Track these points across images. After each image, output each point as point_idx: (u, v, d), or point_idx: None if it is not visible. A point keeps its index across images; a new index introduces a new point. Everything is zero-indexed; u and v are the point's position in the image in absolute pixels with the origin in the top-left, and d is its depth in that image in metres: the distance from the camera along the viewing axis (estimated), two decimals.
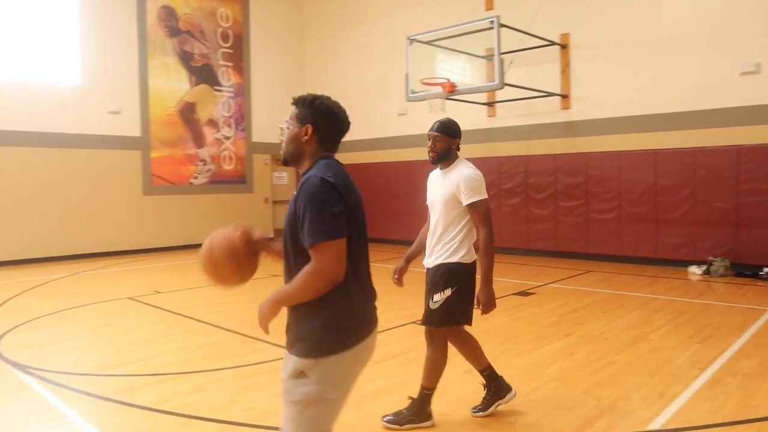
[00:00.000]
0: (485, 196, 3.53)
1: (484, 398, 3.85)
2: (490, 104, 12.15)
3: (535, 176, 11.68)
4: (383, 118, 14.44)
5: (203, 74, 14.15)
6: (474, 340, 3.90)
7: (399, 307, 7.15)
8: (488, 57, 10.98)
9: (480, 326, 6.18)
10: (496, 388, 3.85)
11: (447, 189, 3.60)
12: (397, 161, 14.13)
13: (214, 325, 6.36)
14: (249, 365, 4.96)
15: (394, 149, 14.23)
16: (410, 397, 3.76)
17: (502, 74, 9.23)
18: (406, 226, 13.79)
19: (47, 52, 11.87)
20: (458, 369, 4.74)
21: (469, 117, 12.43)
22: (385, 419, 3.72)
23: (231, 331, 6.10)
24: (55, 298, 8.16)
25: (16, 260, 11.24)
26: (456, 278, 3.57)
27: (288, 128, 2.35)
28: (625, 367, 4.78)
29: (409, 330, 6.09)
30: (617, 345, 5.40)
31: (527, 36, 10.57)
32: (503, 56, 9.46)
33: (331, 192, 2.10)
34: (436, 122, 3.73)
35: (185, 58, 13.82)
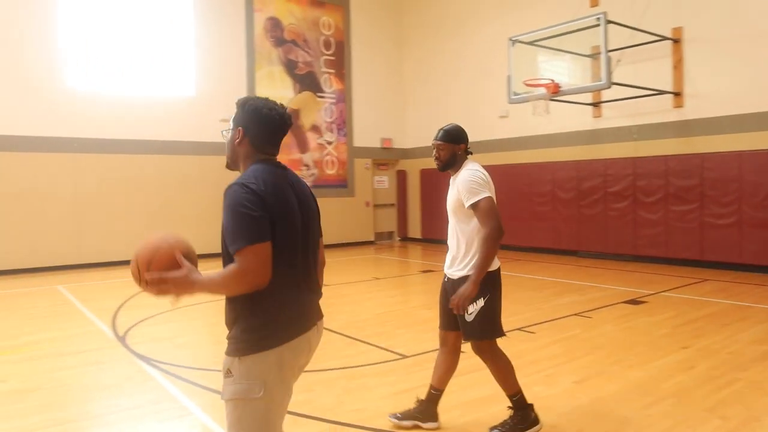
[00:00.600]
0: (485, 194, 3.37)
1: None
2: (596, 104, 11.71)
3: (644, 179, 11.12)
4: (484, 122, 14.28)
5: (307, 81, 14.60)
6: (507, 358, 3.66)
7: (505, 314, 7.02)
8: (594, 55, 10.60)
9: (587, 334, 5.99)
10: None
11: (454, 196, 3.55)
12: (497, 164, 13.92)
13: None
14: (355, 367, 5.05)
15: (495, 152, 14.02)
16: (509, 407, 3.67)
17: (609, 73, 8.87)
18: (507, 230, 13.54)
19: (165, 67, 12.69)
20: (567, 379, 4.61)
21: (573, 118, 12.08)
22: (492, 430, 3.66)
23: (336, 332, 6.23)
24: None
25: None
26: (486, 287, 3.44)
27: (228, 132, 2.35)
28: (754, 384, 4.44)
29: (513, 337, 5.97)
30: (742, 360, 5.02)
31: (636, 32, 10.11)
32: (610, 54, 9.10)
33: (251, 198, 2.08)
34: (439, 130, 3.63)
35: (290, 67, 14.32)
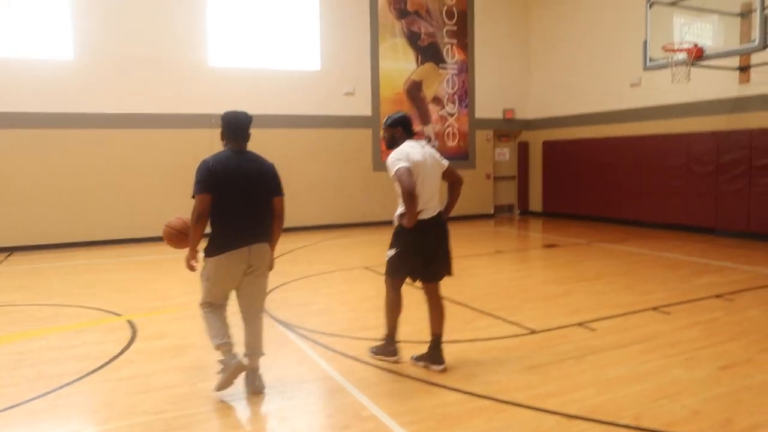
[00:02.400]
0: (396, 166, 4.15)
1: (378, 346, 4.69)
2: (744, 69, 10.75)
3: None
4: (614, 90, 13.58)
5: (429, 53, 14.56)
6: (399, 301, 4.59)
7: (637, 292, 6.78)
8: (744, 14, 9.73)
9: (730, 318, 5.64)
10: (386, 346, 4.63)
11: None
12: (629, 135, 13.23)
13: (447, 298, 6.60)
14: (486, 339, 5.10)
15: (626, 122, 13.32)
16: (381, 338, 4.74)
17: (766, 33, 8.09)
18: (635, 205, 12.94)
19: (291, 41, 13.14)
20: (711, 365, 4.39)
21: (714, 85, 11.19)
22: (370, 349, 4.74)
23: (464, 304, 6.30)
24: (300, 264, 9.13)
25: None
26: (399, 240, 4.36)
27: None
28: None
29: (647, 317, 5.75)
30: None
31: None
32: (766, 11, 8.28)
33: (203, 168, 3.88)
34: (386, 118, 4.58)
35: (412, 39, 14.33)
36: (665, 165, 12.28)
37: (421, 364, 4.45)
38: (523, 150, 16.23)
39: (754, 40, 8.24)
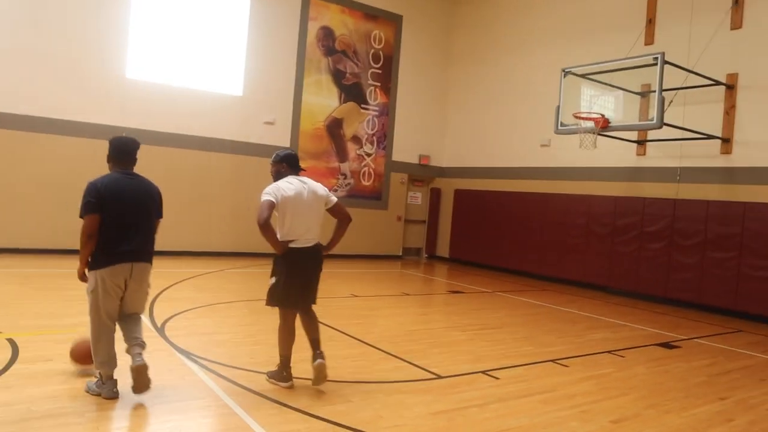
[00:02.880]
0: (262, 198, 4.55)
1: (272, 371, 4.83)
2: (641, 142, 11.67)
3: (682, 221, 11.03)
4: (524, 149, 14.29)
5: (353, 92, 14.77)
6: (291, 329, 4.82)
7: (537, 344, 7.03)
8: (643, 93, 10.60)
9: (621, 374, 5.95)
10: (281, 372, 4.76)
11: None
12: (536, 192, 13.90)
13: (355, 338, 6.57)
14: (392, 382, 5.08)
15: (533, 180, 14.02)
16: (277, 364, 4.81)
17: (662, 113, 8.86)
18: (537, 259, 13.53)
19: (217, 64, 12.94)
20: (604, 418, 4.59)
21: (615, 154, 12.05)
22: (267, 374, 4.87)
23: (371, 345, 6.28)
24: (207, 291, 8.81)
25: (177, 251, 12.30)
26: (278, 268, 4.73)
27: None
28: None
29: (548, 368, 5.96)
30: None
31: (689, 73, 10.08)
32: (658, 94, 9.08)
33: (92, 189, 4.11)
34: (274, 154, 4.96)
35: (338, 76, 14.51)
36: (567, 223, 12.98)
37: (272, 381, 4.77)
38: (435, 196, 16.66)
39: (652, 119, 8.96)
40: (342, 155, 14.72)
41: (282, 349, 4.75)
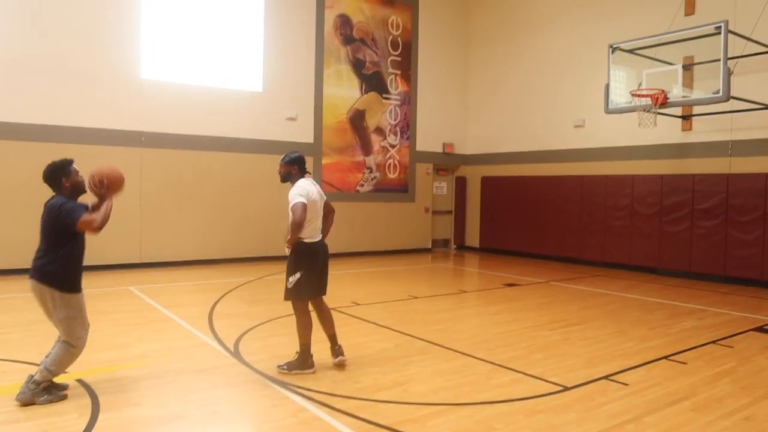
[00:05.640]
0: (296, 200, 4.84)
1: (291, 362, 5.07)
2: (686, 117, 11.19)
3: (738, 197, 10.57)
4: (556, 131, 13.78)
5: (373, 82, 14.17)
6: (309, 319, 5.11)
7: (635, 339, 6.52)
8: (686, 66, 10.12)
9: (746, 369, 5.42)
10: (303, 360, 5.04)
11: (322, 193, 5.24)
12: (570, 175, 13.40)
13: (448, 348, 6.04)
14: (522, 399, 4.55)
15: (568, 162, 13.51)
16: (296, 352, 5.12)
17: (728, 85, 8.36)
18: (576, 243, 13.07)
19: (234, 60, 12.26)
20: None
21: (659, 131, 11.52)
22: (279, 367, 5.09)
23: (470, 356, 5.75)
24: (259, 304, 8.24)
25: (211, 260, 11.70)
26: (300, 264, 5.04)
27: None
28: None
29: (667, 366, 5.45)
30: None
31: (735, 44, 9.59)
32: (703, 66, 8.60)
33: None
34: (283, 156, 5.18)
35: (357, 66, 13.89)
36: (609, 205, 12.51)
37: (294, 371, 4.99)
38: (461, 184, 16.13)
39: (718, 91, 8.47)
40: (367, 148, 14.13)
41: (304, 337, 5.05)
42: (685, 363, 5.65)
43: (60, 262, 4.18)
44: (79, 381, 4.74)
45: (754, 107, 9.89)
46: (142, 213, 11.25)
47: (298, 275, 4.96)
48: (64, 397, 4.31)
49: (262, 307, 8.00)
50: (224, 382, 4.85)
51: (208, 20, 11.92)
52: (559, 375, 5.17)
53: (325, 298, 5.37)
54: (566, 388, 4.83)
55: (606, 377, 5.14)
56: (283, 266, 5.55)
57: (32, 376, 4.23)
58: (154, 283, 9.73)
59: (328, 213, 5.34)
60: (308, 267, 5.00)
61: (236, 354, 5.68)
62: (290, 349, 5.44)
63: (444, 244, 16.18)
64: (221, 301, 8.32)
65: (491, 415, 4.20)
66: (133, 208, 11.07)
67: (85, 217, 4.13)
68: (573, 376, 5.13)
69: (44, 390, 4.22)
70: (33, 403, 4.16)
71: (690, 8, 11.14)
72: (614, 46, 9.82)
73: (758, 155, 10.43)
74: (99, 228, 4.12)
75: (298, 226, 4.78)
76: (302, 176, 5.08)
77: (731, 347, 6.31)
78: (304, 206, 4.82)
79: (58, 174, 4.28)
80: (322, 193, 5.26)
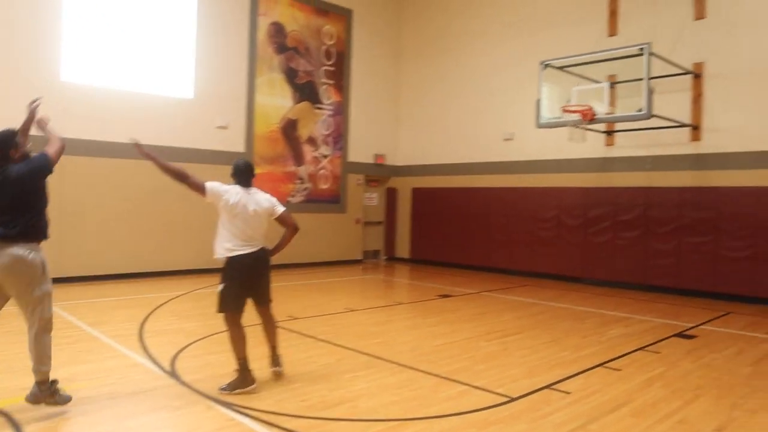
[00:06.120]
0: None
1: (231, 382, 4.89)
2: (609, 133, 11.74)
3: (656, 209, 11.18)
4: (485, 143, 14.11)
5: (306, 91, 14.04)
6: (241, 332, 4.99)
7: (570, 347, 6.71)
8: (612, 84, 10.62)
9: (673, 373, 5.52)
10: (243, 377, 4.88)
11: (265, 205, 5.30)
12: (500, 187, 13.74)
13: (391, 361, 6.01)
14: (472, 412, 4.57)
15: (498, 174, 13.85)
16: (234, 369, 4.93)
17: (650, 103, 8.83)
18: (507, 254, 13.40)
19: (165, 66, 11.83)
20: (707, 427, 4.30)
21: (584, 145, 12.00)
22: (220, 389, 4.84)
23: (415, 369, 5.74)
24: (192, 319, 7.94)
25: (138, 273, 11.17)
26: (225, 276, 5.07)
27: None
28: None
29: (603, 374, 5.64)
30: None
31: (654, 65, 10.16)
32: (624, 85, 9.08)
33: None
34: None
35: (290, 75, 13.73)
36: (537, 217, 12.91)
37: (237, 391, 4.81)
38: (392, 195, 16.22)
39: (641, 109, 8.93)
40: (299, 159, 13.96)
41: (237, 351, 4.92)
42: (619, 370, 5.87)
43: (42, 217, 4.62)
44: None
45: (671, 125, 10.48)
46: (61, 224, 10.58)
47: (221, 287, 5.00)
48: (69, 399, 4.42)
49: (197, 322, 7.71)
50: (164, 405, 4.61)
51: (139, 23, 11.44)
52: (504, 386, 5.24)
53: None
54: (512, 399, 4.90)
55: (548, 386, 5.25)
56: (213, 279, 5.54)
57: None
58: (76, 299, 9.19)
59: (286, 227, 5.35)
60: (232, 278, 4.99)
61: (173, 374, 5.41)
62: (231, 366, 5.23)
63: (374, 255, 16.19)
64: (151, 317, 7.95)
65: (444, 430, 4.20)
66: (51, 219, 10.39)
67: (49, 151, 4.49)
68: (517, 387, 5.22)
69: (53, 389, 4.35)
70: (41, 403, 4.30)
71: (613, 29, 11.71)
72: (545, 63, 10.17)
73: (674, 170, 11.05)
74: (64, 145, 4.63)
75: (297, 230, 5.31)
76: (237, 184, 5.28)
77: (658, 353, 6.62)
78: (202, 183, 5.32)
79: (7, 147, 4.30)
80: (272, 206, 5.32)
